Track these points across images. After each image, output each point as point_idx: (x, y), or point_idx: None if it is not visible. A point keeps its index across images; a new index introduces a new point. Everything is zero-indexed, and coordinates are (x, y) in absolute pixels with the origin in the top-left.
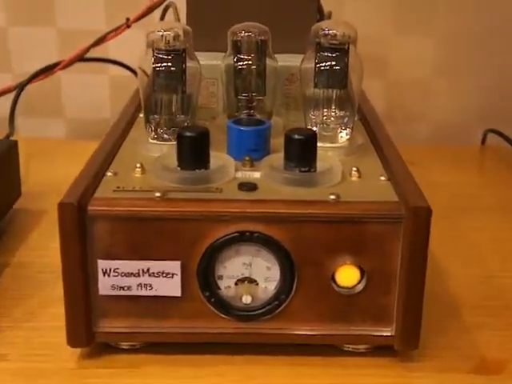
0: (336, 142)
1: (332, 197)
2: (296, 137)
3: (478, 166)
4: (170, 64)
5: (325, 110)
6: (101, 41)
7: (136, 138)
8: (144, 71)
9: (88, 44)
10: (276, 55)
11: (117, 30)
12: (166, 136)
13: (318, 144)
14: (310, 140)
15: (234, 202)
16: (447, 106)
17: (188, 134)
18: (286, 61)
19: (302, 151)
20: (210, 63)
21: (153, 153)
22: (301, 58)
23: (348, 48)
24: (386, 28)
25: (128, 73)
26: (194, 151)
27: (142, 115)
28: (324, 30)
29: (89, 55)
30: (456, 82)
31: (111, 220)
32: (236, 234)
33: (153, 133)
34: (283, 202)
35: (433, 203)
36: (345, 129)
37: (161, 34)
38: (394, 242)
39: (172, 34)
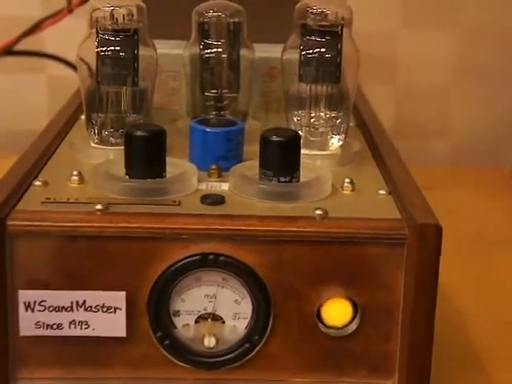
0: (326, 149)
1: (318, 212)
2: (274, 138)
3: (509, 191)
4: (118, 48)
5: (312, 109)
6: (35, 29)
7: (74, 142)
8: (84, 61)
9: (18, 33)
10: (253, 45)
11: (55, 17)
12: (112, 140)
13: (304, 151)
14: (292, 142)
15: (194, 216)
16: (471, 119)
17: (139, 133)
18: (266, 51)
19: (281, 156)
20: (169, 52)
21: (95, 159)
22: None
23: (341, 31)
24: (393, 21)
25: (70, 71)
26: (145, 155)
27: (83, 116)
28: (311, 9)
29: (19, 47)
30: (482, 89)
31: (37, 238)
32: (197, 257)
33: (96, 136)
34: (256, 218)
35: (454, 236)
36: (337, 133)
37: (108, 9)
38: (395, 269)
39: (122, 11)
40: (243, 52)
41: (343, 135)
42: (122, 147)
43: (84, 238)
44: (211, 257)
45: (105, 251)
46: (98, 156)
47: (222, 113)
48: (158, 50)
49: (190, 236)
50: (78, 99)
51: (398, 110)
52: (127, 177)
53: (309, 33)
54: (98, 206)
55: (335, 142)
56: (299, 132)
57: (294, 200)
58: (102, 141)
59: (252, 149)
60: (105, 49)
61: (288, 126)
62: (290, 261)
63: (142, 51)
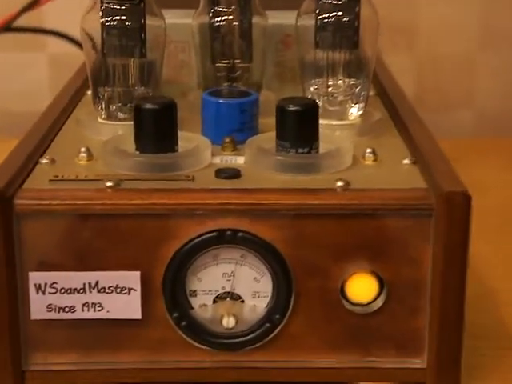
0: (345, 119)
1: (339, 184)
2: (291, 107)
3: None
4: (124, 17)
5: (330, 77)
6: (34, 4)
7: (81, 118)
8: (88, 33)
9: (17, 9)
10: (266, 12)
11: None
12: (120, 114)
13: (323, 122)
14: (310, 111)
15: (209, 191)
16: (496, 88)
17: (148, 105)
18: (279, 18)
19: (299, 126)
20: (178, 22)
21: (103, 135)
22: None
23: None
24: None
25: (72, 48)
26: (156, 128)
27: (89, 92)
28: None
29: (18, 24)
30: (507, 56)
31: (46, 217)
32: (213, 234)
33: (103, 111)
34: (275, 191)
35: (481, 209)
36: (356, 102)
37: None
38: (422, 242)
39: None
40: (255, 19)
41: (363, 104)
42: (131, 122)
43: (95, 217)
44: (228, 233)
45: (117, 229)
46: (106, 132)
47: (234, 84)
48: (166, 20)
49: (205, 212)
50: (83, 75)
51: (419, 80)
52: (138, 152)
53: None
54: (109, 183)
55: (355, 112)
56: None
57: (313, 172)
58: (110, 116)
59: (267, 121)
60: (110, 19)
61: (304, 92)
62: (311, 235)
63: (150, 21)
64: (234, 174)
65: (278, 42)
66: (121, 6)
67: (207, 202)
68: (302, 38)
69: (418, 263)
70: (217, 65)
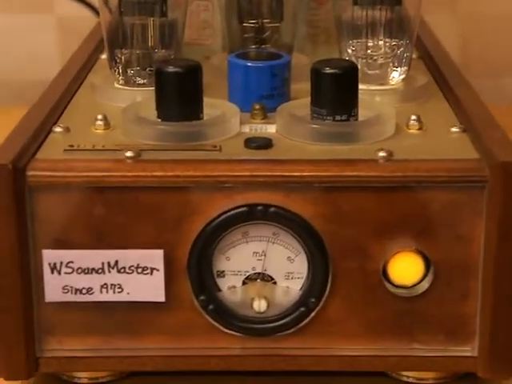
0: (386, 84)
1: (381, 154)
2: (327, 70)
3: None
4: None
5: (369, 38)
6: None
7: (96, 83)
8: None
9: None
10: None
11: None
12: (139, 79)
13: (362, 87)
14: (348, 74)
15: (239, 163)
16: None
17: (171, 68)
18: None
19: (336, 91)
20: None
21: (121, 102)
22: None
23: None
24: None
25: (83, 11)
26: (179, 94)
27: (104, 56)
28: None
29: None
30: None
31: (61, 190)
32: (243, 209)
33: (120, 75)
34: (310, 162)
35: None
36: (398, 65)
37: None
38: (473, 217)
39: None
40: None
41: (406, 67)
42: (151, 88)
43: (114, 190)
44: (259, 208)
45: (138, 204)
46: (124, 98)
47: (263, 46)
48: None
49: (234, 184)
50: (96, 38)
51: (462, 42)
52: (159, 120)
53: None
54: (129, 153)
55: (397, 75)
56: None
57: (352, 141)
58: (128, 81)
59: (299, 87)
60: None
61: (340, 54)
62: (349, 211)
63: None
64: (264, 143)
65: (311, 0)
66: None
67: (235, 173)
68: None
69: (469, 241)
70: (244, 25)
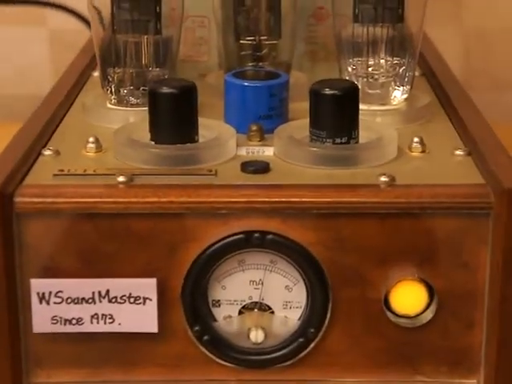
0: (388, 104)
1: (383, 179)
2: (327, 91)
3: None
4: None
5: (370, 56)
6: None
7: (88, 103)
8: (97, 8)
9: None
10: None
11: None
12: (132, 99)
13: (362, 107)
14: (349, 95)
15: (235, 188)
16: None
17: (165, 89)
18: None
19: (336, 113)
20: None
21: (113, 123)
22: None
23: None
24: None
25: (75, 24)
26: (174, 115)
27: (96, 73)
28: None
29: None
30: None
31: (50, 217)
32: (239, 237)
33: (113, 95)
34: (309, 187)
35: None
36: (400, 84)
37: None
38: (478, 245)
39: None
40: None
41: (408, 86)
42: (144, 108)
43: (105, 216)
44: (256, 235)
45: (130, 231)
46: (116, 119)
47: (260, 64)
48: None
49: (230, 211)
50: (89, 54)
51: (466, 57)
52: (153, 142)
53: None
54: (121, 178)
55: (399, 95)
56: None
57: (352, 165)
58: (120, 101)
59: (298, 106)
60: None
61: (340, 73)
62: (350, 238)
63: None
64: (262, 167)
65: (310, 16)
66: None
67: (232, 199)
68: (339, 10)
69: (474, 269)
70: (241, 42)
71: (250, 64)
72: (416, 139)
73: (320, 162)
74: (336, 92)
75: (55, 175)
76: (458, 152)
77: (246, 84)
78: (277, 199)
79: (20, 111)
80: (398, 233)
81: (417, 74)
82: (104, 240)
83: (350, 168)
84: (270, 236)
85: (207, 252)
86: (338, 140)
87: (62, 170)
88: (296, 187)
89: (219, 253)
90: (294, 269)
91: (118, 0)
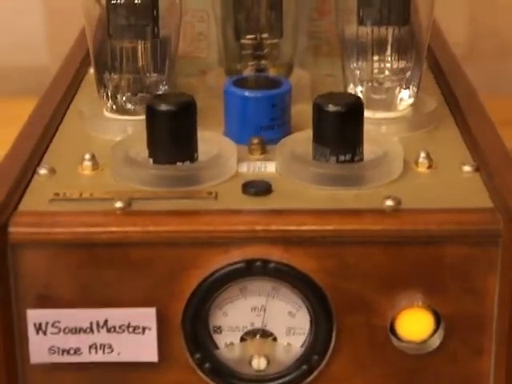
0: (394, 110)
1: (389, 203)
2: (331, 108)
3: None
4: None
5: (376, 58)
6: None
7: (84, 111)
8: (91, 12)
9: None
10: None
11: None
12: (129, 106)
13: (367, 114)
14: (353, 111)
15: (235, 214)
16: None
17: (163, 106)
18: None
19: (340, 130)
20: None
21: (110, 134)
22: None
23: None
24: None
25: None
26: (173, 134)
27: (92, 70)
28: None
29: None
30: None
31: (46, 247)
32: (241, 265)
33: (110, 101)
34: (312, 214)
35: None
36: (406, 88)
37: None
38: (486, 272)
39: None
40: None
41: (415, 89)
42: (141, 117)
43: (103, 246)
44: (258, 264)
45: (128, 259)
46: (114, 130)
47: (261, 63)
48: None
49: (231, 240)
50: (84, 45)
51: (473, 22)
52: (151, 160)
53: None
54: (118, 204)
55: (404, 100)
56: (360, 90)
57: (357, 185)
58: (117, 108)
59: (300, 109)
60: None
61: (345, 79)
62: (354, 265)
63: None
64: (263, 189)
65: (313, 10)
66: None
67: (232, 228)
68: (342, 7)
69: (482, 296)
70: (241, 41)
71: (251, 64)
72: (422, 154)
73: (323, 182)
74: (340, 108)
75: (51, 200)
76: (466, 168)
77: (246, 94)
78: (279, 227)
79: (21, 86)
80: (404, 260)
81: (424, 66)
82: (102, 269)
83: (355, 188)
84: (272, 264)
85: (208, 280)
86: (341, 157)
87: (58, 194)
88: (298, 213)
89: (220, 281)
90: (296, 295)
91: (114, 5)
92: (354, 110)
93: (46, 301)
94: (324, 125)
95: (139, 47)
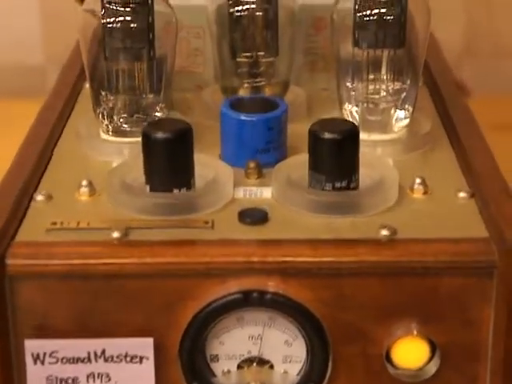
0: (389, 131)
1: (384, 232)
2: (327, 136)
3: None
4: (129, 18)
5: (371, 78)
6: None
7: (81, 130)
8: (85, 34)
9: None
10: None
11: None
12: (126, 127)
13: (363, 136)
14: (349, 139)
15: (231, 245)
16: None
17: (160, 134)
18: None
19: (336, 157)
20: (190, 4)
21: (106, 156)
22: None
23: None
24: None
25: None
26: (169, 161)
27: (88, 85)
28: None
29: None
30: None
31: (43, 278)
32: (237, 296)
33: (106, 121)
34: (308, 246)
35: None
36: (402, 108)
37: None
38: (481, 303)
39: None
40: (282, 1)
41: (410, 109)
42: (138, 138)
43: (100, 276)
44: (255, 295)
45: (125, 291)
46: (110, 152)
47: (256, 81)
48: (176, 1)
49: (227, 271)
50: (77, 61)
51: (470, 21)
52: (148, 187)
53: None
54: (115, 234)
55: (399, 122)
56: (354, 108)
57: (353, 212)
58: (114, 129)
59: (296, 128)
60: (113, 20)
61: (339, 95)
62: (350, 295)
63: (158, 6)
64: (260, 218)
65: (309, 26)
66: (125, 7)
67: (229, 259)
68: (338, 25)
69: (477, 326)
70: (237, 59)
71: (247, 81)
72: (418, 180)
73: (319, 210)
74: (335, 136)
75: (48, 230)
76: (461, 194)
77: (242, 118)
78: (275, 259)
79: (16, 86)
80: (401, 290)
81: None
82: (99, 299)
83: (350, 215)
84: (268, 295)
85: (205, 311)
86: (337, 184)
87: (55, 223)
88: (294, 244)
89: (217, 312)
90: (292, 325)
91: (110, 28)
92: (349, 137)
93: (43, 331)
94: (320, 152)
95: (135, 68)
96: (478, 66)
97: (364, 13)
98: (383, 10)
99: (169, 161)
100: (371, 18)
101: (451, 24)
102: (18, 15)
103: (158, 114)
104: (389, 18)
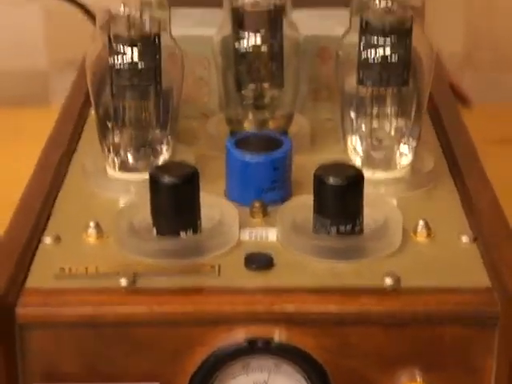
0: (393, 168)
1: (388, 281)
2: (331, 182)
3: None
4: (136, 60)
5: (375, 113)
6: None
7: (87, 165)
8: (94, 72)
9: None
10: (297, 11)
11: None
12: (132, 161)
13: (367, 173)
14: (354, 185)
15: (238, 293)
16: None
17: (166, 179)
18: (314, 28)
19: (341, 203)
20: (195, 34)
21: (114, 192)
22: (335, 19)
23: (411, 27)
24: None
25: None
26: (176, 205)
27: (93, 111)
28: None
29: None
30: None
31: (53, 327)
32: (244, 345)
33: (111, 155)
34: (313, 295)
35: None
36: (406, 143)
37: (121, 11)
38: (484, 354)
39: (139, 12)
40: (287, 32)
41: (414, 144)
42: (145, 175)
43: (108, 324)
44: (260, 343)
45: (133, 338)
46: (117, 188)
47: (262, 112)
48: (181, 32)
49: (233, 319)
50: (82, 86)
51: (470, 32)
52: (155, 230)
53: (369, 31)
54: (123, 281)
55: (403, 159)
56: (358, 146)
57: (357, 257)
58: (120, 165)
59: (300, 161)
60: (120, 61)
61: (343, 128)
62: (354, 344)
63: (163, 39)
64: (265, 263)
65: (314, 56)
66: (132, 47)
67: (235, 308)
68: (343, 59)
69: (480, 376)
70: (242, 92)
71: (251, 114)
72: (421, 222)
73: (324, 255)
74: (340, 181)
75: (57, 277)
76: (464, 238)
77: (247, 160)
78: (280, 309)
79: (19, 92)
80: (404, 339)
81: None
82: (107, 347)
83: (355, 260)
84: (274, 343)
85: (211, 359)
86: (342, 228)
87: (64, 270)
88: (299, 293)
89: (223, 360)
90: (298, 372)
91: (118, 68)
92: (354, 182)
93: (52, 378)
94: (325, 196)
95: (142, 106)
96: (479, 77)
97: (368, 53)
98: (387, 51)
99: (176, 205)
100: (375, 60)
101: (452, 35)
102: (22, 21)
103: (164, 148)
104: (393, 60)
